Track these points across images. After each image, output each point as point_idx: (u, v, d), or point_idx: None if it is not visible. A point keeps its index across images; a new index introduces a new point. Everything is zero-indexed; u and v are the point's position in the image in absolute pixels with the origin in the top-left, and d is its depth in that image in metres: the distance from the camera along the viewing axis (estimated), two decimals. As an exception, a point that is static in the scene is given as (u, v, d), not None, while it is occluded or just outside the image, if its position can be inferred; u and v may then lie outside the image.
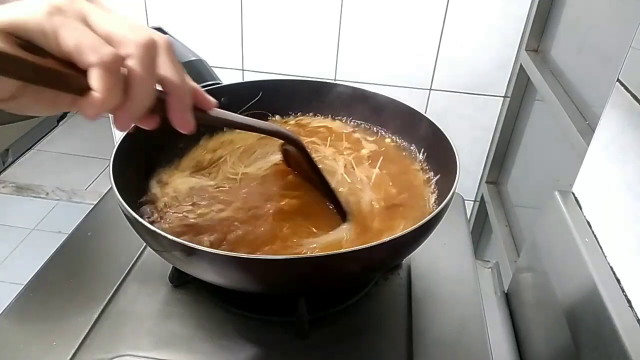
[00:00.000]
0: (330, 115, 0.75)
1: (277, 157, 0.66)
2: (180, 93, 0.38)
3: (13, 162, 2.27)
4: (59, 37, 0.31)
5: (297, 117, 0.75)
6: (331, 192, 0.58)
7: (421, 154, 0.67)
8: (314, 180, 0.60)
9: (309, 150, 0.57)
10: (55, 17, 0.30)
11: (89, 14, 0.32)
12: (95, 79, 0.31)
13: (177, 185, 0.62)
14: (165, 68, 0.36)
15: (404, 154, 0.69)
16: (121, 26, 0.33)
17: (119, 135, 0.58)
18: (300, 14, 1.15)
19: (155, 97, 0.36)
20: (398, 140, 0.71)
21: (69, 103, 0.35)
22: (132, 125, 0.37)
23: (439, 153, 0.62)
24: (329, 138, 0.71)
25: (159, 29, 0.75)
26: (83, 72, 0.32)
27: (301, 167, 0.61)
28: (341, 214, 0.57)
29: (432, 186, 0.62)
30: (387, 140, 0.71)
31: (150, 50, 0.34)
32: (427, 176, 0.64)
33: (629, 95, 0.52)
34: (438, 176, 0.62)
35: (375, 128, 0.73)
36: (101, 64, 0.31)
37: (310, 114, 0.75)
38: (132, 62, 0.33)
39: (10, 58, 0.30)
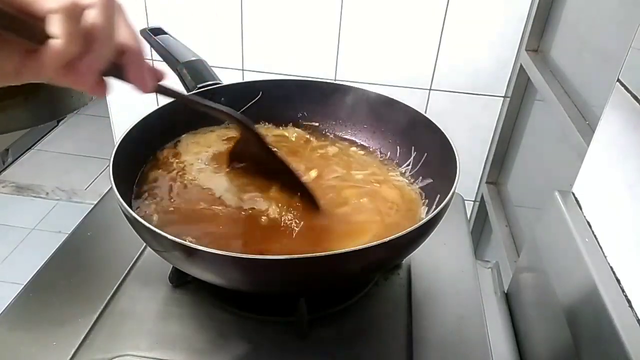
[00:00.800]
0: (324, 116, 0.75)
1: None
2: (138, 51, 0.37)
3: (13, 162, 2.27)
4: None
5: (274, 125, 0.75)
6: (295, 179, 0.58)
7: (412, 156, 0.67)
8: (274, 171, 0.59)
9: (261, 136, 0.55)
10: None
11: None
12: (54, 25, 0.30)
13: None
14: (123, 26, 0.35)
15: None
16: None
17: (119, 136, 0.58)
18: (300, 14, 1.15)
19: (114, 51, 0.35)
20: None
21: (17, 65, 0.33)
22: (91, 83, 0.35)
23: (439, 153, 0.62)
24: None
25: (159, 29, 0.75)
26: (42, 20, 0.31)
27: (257, 161, 0.59)
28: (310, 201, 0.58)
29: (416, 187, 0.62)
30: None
31: (110, 3, 0.33)
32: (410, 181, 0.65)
33: (629, 95, 0.52)
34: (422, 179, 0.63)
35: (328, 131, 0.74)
36: (60, 9, 0.30)
37: (305, 114, 0.75)
38: (94, 12, 0.32)
39: None
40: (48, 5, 0.30)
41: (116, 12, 0.35)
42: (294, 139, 0.73)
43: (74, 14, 0.31)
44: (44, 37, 0.31)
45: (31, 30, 0.31)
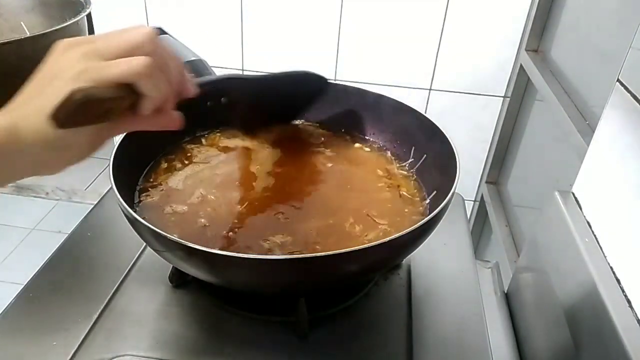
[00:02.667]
0: (323, 116, 0.75)
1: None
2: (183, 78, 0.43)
3: (13, 162, 2.26)
4: (105, 84, 0.36)
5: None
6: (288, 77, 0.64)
7: (412, 156, 0.68)
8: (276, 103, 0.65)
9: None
10: (88, 75, 0.36)
11: (99, 50, 0.37)
12: (143, 86, 0.37)
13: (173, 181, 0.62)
14: (166, 52, 0.41)
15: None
16: (122, 39, 0.38)
17: (118, 136, 0.58)
18: (300, 14, 1.15)
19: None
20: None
21: (90, 137, 0.39)
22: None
23: (439, 153, 0.62)
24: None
25: (159, 29, 0.75)
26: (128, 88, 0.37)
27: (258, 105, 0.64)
28: None
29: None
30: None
31: (154, 38, 0.39)
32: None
33: (629, 95, 0.52)
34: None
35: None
36: (139, 75, 0.37)
37: (306, 114, 0.75)
38: (154, 57, 0.38)
39: (97, 90, 0.36)
40: (131, 76, 0.37)
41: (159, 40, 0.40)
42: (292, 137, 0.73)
43: (152, 75, 0.37)
44: (136, 100, 0.38)
45: (128, 97, 0.38)
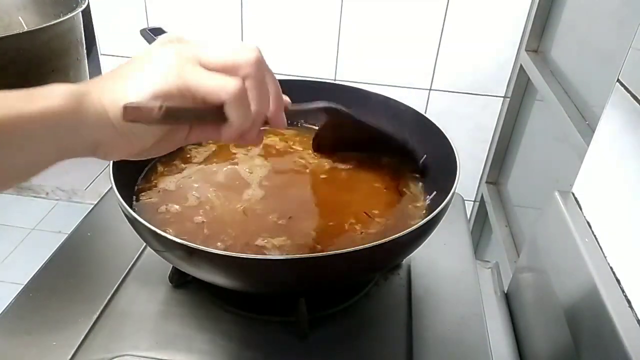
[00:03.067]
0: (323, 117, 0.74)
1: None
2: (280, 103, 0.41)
3: (13, 162, 2.27)
4: (192, 90, 0.34)
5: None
6: (389, 136, 0.63)
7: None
8: (363, 141, 0.64)
9: (345, 110, 0.57)
10: (181, 75, 0.34)
11: (200, 56, 0.35)
12: (231, 112, 0.35)
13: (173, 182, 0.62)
14: (270, 78, 0.39)
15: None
16: (228, 53, 0.36)
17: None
18: (300, 14, 1.15)
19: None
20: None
21: (185, 134, 0.39)
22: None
23: (439, 153, 0.62)
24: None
25: (159, 29, 0.75)
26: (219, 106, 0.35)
27: (342, 136, 0.63)
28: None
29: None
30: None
31: (262, 59, 0.37)
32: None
33: (629, 95, 0.52)
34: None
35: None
36: (232, 98, 0.35)
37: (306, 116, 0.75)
38: (250, 81, 0.36)
39: (180, 110, 0.35)
40: (222, 98, 0.34)
41: (265, 64, 0.38)
42: (293, 140, 0.73)
43: (242, 97, 0.35)
44: (223, 118, 0.36)
45: (215, 117, 0.36)
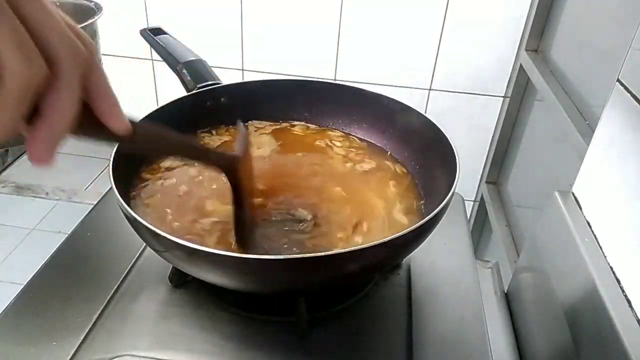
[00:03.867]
0: (323, 116, 0.75)
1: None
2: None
3: (13, 162, 2.27)
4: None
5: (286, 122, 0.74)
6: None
7: (412, 155, 0.68)
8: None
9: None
10: None
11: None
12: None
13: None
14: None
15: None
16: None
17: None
18: (300, 14, 1.15)
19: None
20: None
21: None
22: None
23: (439, 153, 0.62)
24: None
25: (159, 29, 0.75)
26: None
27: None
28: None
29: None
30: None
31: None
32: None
33: (629, 95, 0.52)
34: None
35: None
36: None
37: (304, 114, 0.75)
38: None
39: None
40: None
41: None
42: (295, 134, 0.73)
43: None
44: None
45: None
